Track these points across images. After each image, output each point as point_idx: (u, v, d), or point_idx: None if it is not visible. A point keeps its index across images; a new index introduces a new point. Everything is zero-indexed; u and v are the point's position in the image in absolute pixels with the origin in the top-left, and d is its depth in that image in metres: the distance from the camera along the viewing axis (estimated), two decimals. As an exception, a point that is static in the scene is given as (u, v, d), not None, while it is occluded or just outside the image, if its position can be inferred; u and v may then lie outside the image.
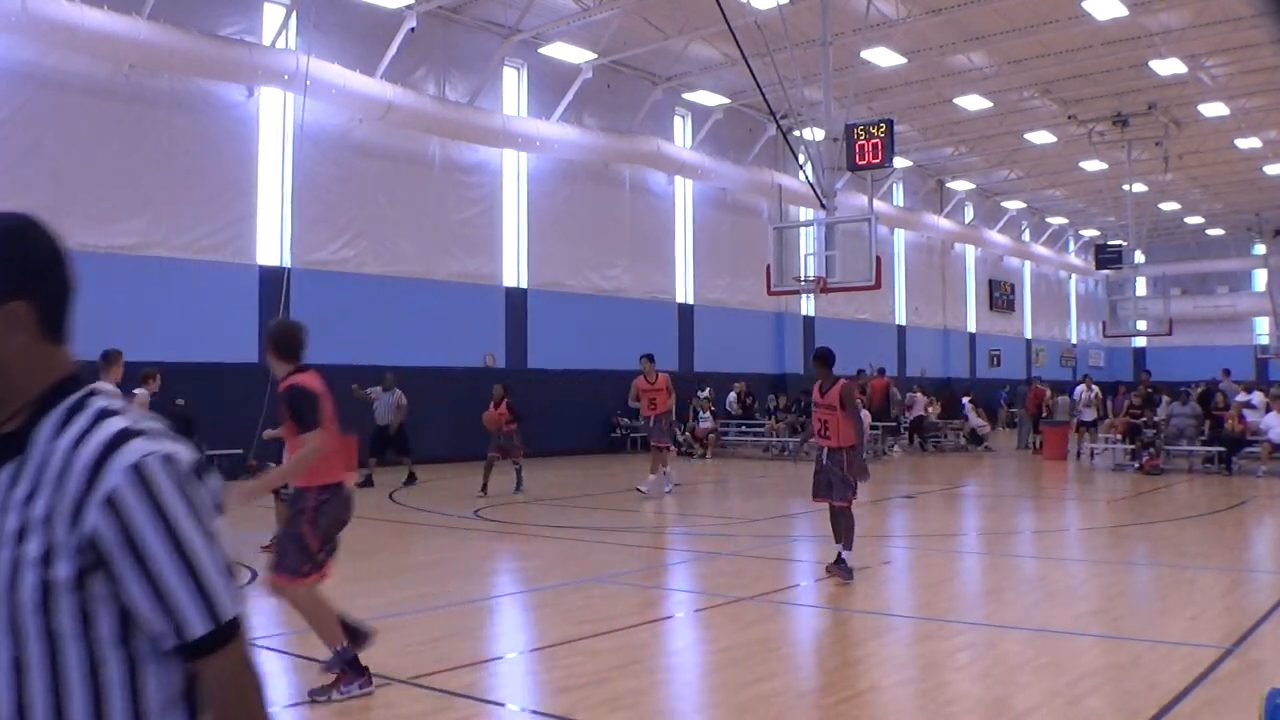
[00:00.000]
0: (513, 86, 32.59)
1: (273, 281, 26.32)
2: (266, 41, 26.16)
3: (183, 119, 25.27)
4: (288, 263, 26.93)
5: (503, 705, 7.26)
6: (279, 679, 8.12)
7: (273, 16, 26.71)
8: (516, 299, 32.39)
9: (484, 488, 20.83)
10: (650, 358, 21.77)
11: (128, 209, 24.30)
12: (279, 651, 8.68)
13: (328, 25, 27.16)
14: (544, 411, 30.37)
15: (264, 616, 10.43)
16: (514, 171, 32.72)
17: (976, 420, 35.15)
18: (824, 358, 12.28)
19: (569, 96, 32.49)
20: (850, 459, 11.86)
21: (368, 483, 22.24)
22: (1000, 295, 58.83)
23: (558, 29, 30.52)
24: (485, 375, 30.03)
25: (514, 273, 32.66)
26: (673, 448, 22.88)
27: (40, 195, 22.98)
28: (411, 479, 22.78)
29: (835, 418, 11.80)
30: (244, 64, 25.18)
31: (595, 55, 32.02)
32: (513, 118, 31.52)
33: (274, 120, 27.29)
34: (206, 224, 25.57)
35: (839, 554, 11.75)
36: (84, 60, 23.45)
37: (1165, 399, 27.85)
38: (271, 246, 27.06)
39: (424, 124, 29.15)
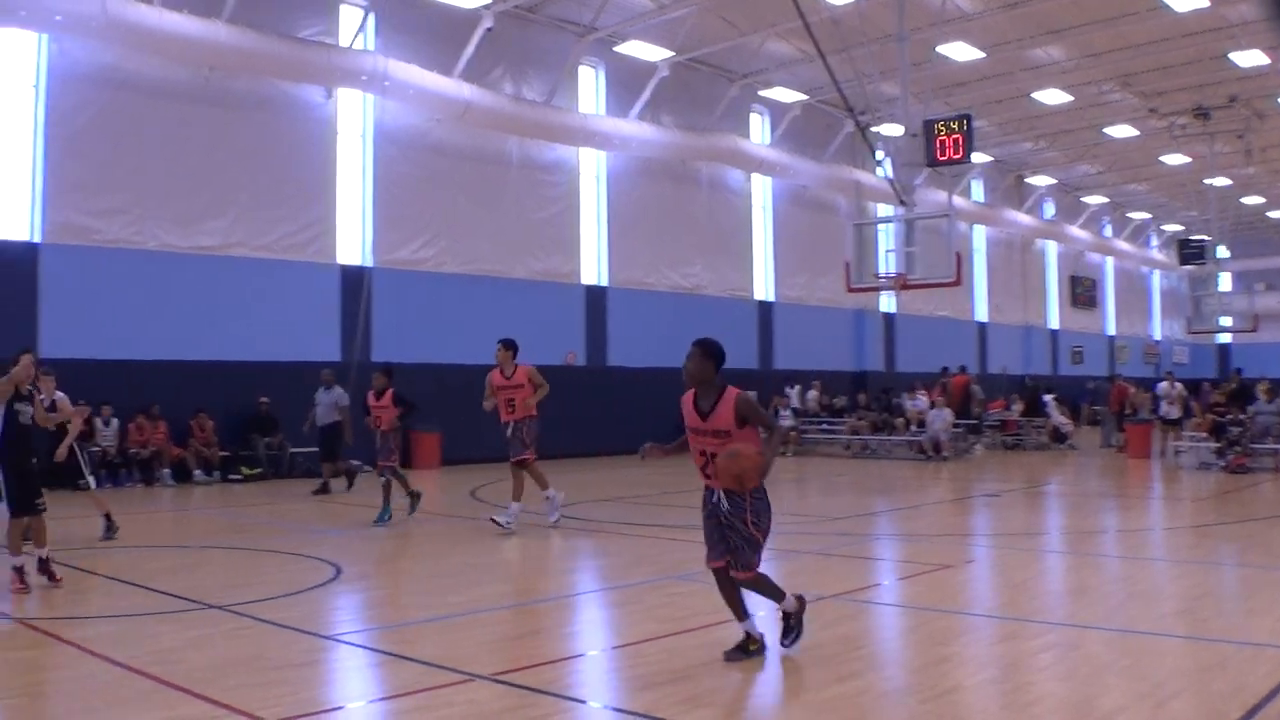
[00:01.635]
0: (589, 85, 32.68)
1: (354, 281, 26.62)
2: (343, 43, 26.41)
3: (262, 120, 25.59)
4: (368, 262, 27.19)
5: (584, 702, 7.28)
6: (366, 674, 8.20)
7: (349, 18, 26.94)
8: (596, 297, 32.48)
9: (413, 497, 17.18)
10: (507, 344, 16.62)
11: (210, 210, 24.65)
12: (365, 648, 8.75)
13: (405, 26, 27.42)
14: (624, 409, 30.49)
15: (350, 613, 10.56)
16: (592, 170, 32.84)
17: (1059, 418, 34.78)
18: (710, 353, 8.33)
19: (646, 94, 32.51)
20: (755, 506, 8.05)
21: (324, 489, 21.50)
22: (1082, 291, 58.19)
23: (633, 27, 30.58)
24: (566, 374, 30.12)
25: (593, 271, 32.78)
26: (531, 458, 16.21)
27: (123, 198, 23.42)
28: (325, 489, 21.45)
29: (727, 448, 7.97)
30: (322, 65, 25.45)
31: (671, 53, 32.01)
32: (590, 116, 31.62)
33: (353, 121, 27.57)
34: (287, 224, 25.88)
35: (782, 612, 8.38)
36: (164, 63, 23.83)
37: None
38: (352, 246, 27.33)
39: (501, 123, 29.30)
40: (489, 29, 28.14)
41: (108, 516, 14.76)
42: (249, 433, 24.56)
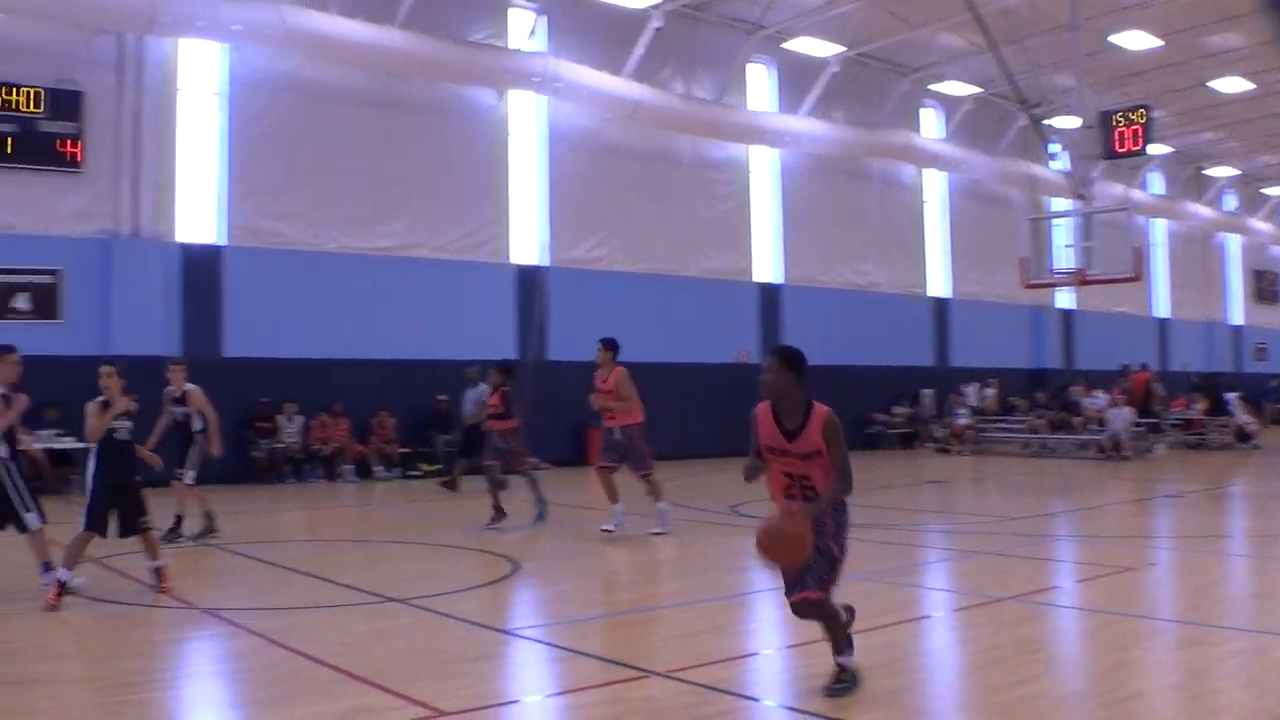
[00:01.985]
0: (759, 82, 32.60)
1: (529, 280, 26.99)
2: (513, 45, 26.84)
3: (437, 124, 26.09)
4: (543, 261, 27.54)
5: (758, 701, 7.29)
6: (542, 668, 8.31)
7: (519, 20, 27.37)
8: (769, 295, 32.41)
9: (497, 509, 15.78)
10: (606, 344, 15.24)
11: (388, 212, 25.25)
12: (541, 643, 8.87)
13: (575, 27, 27.72)
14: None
15: (526, 607, 10.72)
16: (763, 167, 32.78)
17: (1243, 417, 33.77)
18: (791, 363, 7.10)
19: (816, 91, 32.33)
20: (839, 519, 7.30)
21: (451, 485, 21.26)
22: (1265, 286, 56.26)
23: (802, 23, 30.43)
24: (739, 371, 30.10)
25: (765, 268, 32.71)
26: (644, 471, 15.05)
27: (304, 200, 24.11)
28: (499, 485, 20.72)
29: (817, 470, 7.13)
30: (494, 68, 25.96)
31: (841, 48, 31.81)
32: (760, 113, 31.60)
33: (525, 122, 27.95)
34: (463, 225, 26.36)
35: (838, 664, 7.22)
36: (341, 69, 24.46)
37: None
38: (526, 246, 27.72)
39: (672, 122, 29.45)
40: (658, 28, 28.24)
41: (179, 519, 14.35)
42: (428, 430, 25.02)
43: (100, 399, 10.65)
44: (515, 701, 7.41)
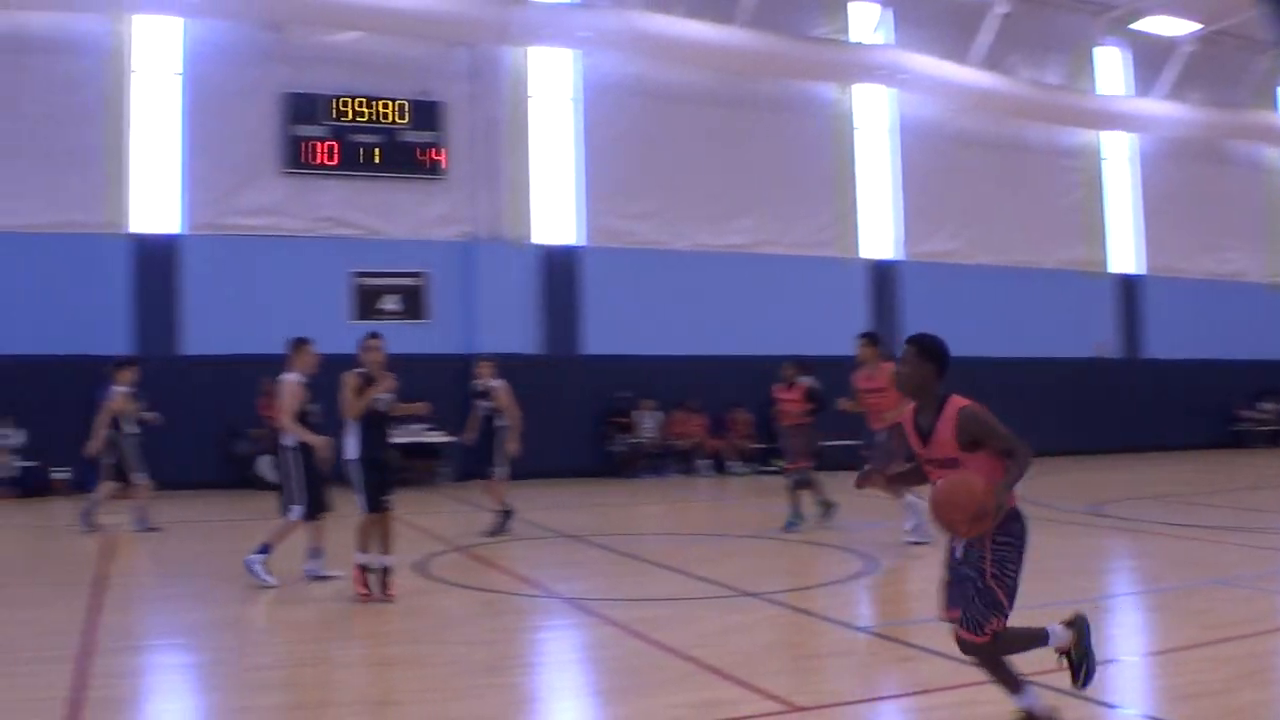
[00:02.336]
0: (1108, 65, 31.44)
1: (881, 275, 26.88)
2: (854, 39, 26.90)
3: (781, 120, 26.39)
4: (896, 256, 27.36)
5: (1119, 708, 7.10)
6: (896, 667, 8.28)
7: (861, 14, 27.41)
8: (1127, 286, 31.31)
9: (823, 504, 15.37)
10: (869, 339, 14.36)
11: (737, 209, 25.68)
12: (895, 641, 8.85)
13: (918, 18, 27.53)
14: (1159, 404, 29.33)
15: (881, 605, 10.69)
16: (1116, 153, 31.67)
17: None
18: (930, 353, 6.35)
19: (1169, 71, 30.95)
20: (999, 552, 6.31)
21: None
22: None
23: (1152, 1, 29.24)
24: (1095, 366, 29.24)
25: (1122, 258, 31.61)
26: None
27: (657, 200, 24.74)
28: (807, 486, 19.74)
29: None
30: (838, 62, 26.21)
31: (1195, 26, 30.34)
32: (1111, 97, 30.61)
33: (871, 115, 27.91)
34: (811, 220, 26.51)
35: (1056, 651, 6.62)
36: (687, 70, 25.02)
37: None
38: (876, 240, 27.66)
39: (1020, 109, 28.91)
40: (1004, 14, 27.63)
41: (504, 513, 14.74)
42: (782, 425, 25.21)
43: (360, 370, 10.40)
44: (867, 700, 7.43)
